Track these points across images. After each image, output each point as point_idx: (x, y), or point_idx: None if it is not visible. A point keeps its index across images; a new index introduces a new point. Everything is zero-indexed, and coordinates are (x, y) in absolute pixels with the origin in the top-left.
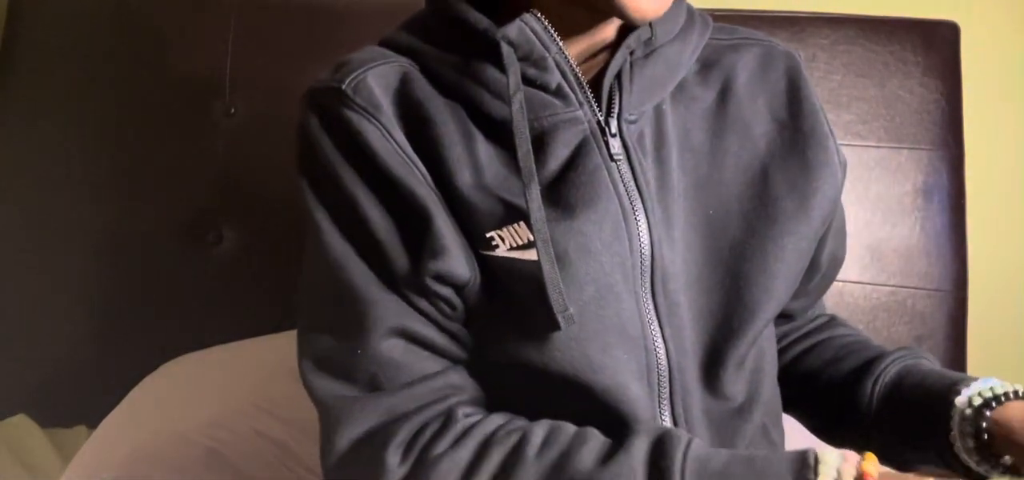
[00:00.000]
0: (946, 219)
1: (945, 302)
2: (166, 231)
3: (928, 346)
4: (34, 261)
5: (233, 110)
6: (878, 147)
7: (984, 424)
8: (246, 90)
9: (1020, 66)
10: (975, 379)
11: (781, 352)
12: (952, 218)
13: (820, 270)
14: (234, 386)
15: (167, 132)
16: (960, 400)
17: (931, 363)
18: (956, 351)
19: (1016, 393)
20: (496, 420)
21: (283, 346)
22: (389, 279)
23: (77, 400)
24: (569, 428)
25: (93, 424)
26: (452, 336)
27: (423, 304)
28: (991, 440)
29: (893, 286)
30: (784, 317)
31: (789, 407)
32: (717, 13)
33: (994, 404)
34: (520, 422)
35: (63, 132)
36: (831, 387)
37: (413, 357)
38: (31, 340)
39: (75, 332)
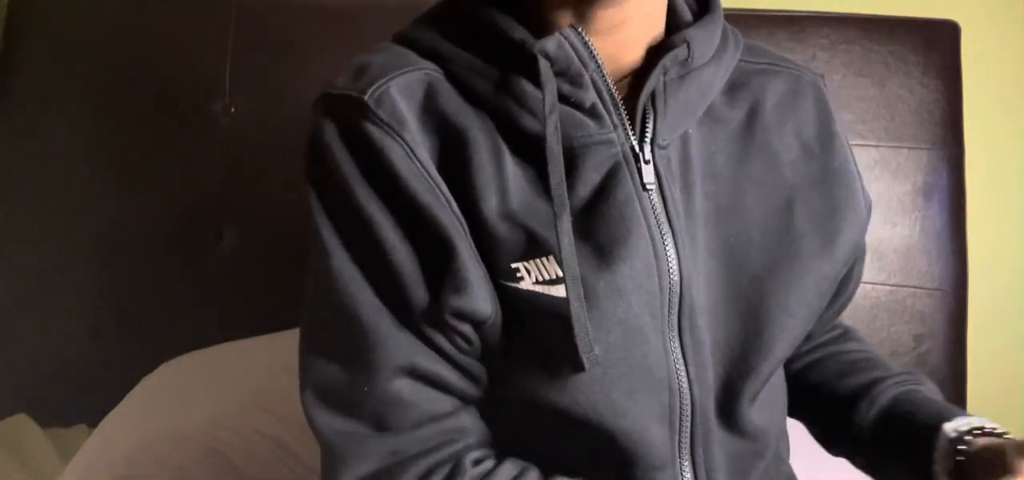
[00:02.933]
0: (946, 219)
1: (945, 302)
2: (166, 231)
3: (928, 346)
4: (34, 261)
5: (233, 110)
6: (878, 147)
7: (961, 447)
8: (246, 90)
9: (1020, 66)
10: (964, 413)
11: (792, 360)
12: (952, 218)
13: (843, 297)
14: (234, 386)
15: (167, 132)
16: (946, 428)
17: (929, 390)
18: (956, 351)
19: (995, 431)
20: (506, 471)
21: (283, 346)
22: (402, 312)
23: (77, 400)
24: None
25: (93, 424)
26: (466, 373)
27: (438, 340)
28: (964, 468)
29: (893, 286)
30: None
31: (795, 412)
32: None
33: (975, 433)
34: (531, 474)
35: (63, 132)
36: (832, 402)
37: (422, 396)
38: (31, 340)
39: (75, 332)
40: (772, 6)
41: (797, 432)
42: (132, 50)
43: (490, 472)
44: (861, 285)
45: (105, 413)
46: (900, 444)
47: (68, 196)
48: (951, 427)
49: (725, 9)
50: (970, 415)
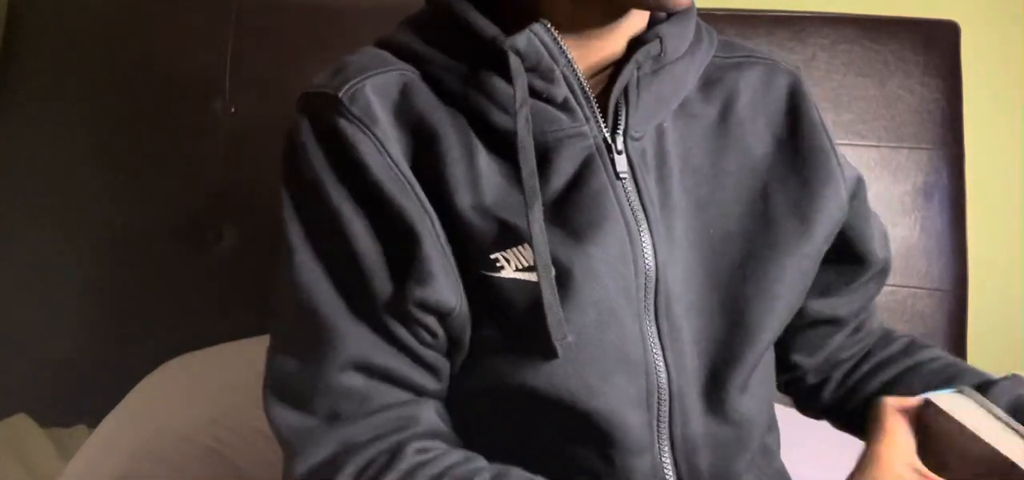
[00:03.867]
0: (946, 219)
1: (945, 302)
2: (166, 231)
3: None
4: (34, 261)
5: (233, 110)
6: (878, 147)
7: None
8: (246, 90)
9: (1020, 66)
10: None
11: (862, 380)
12: (952, 218)
13: (867, 270)
14: (234, 386)
15: (167, 132)
16: None
17: None
18: (956, 351)
19: None
20: (446, 460)
21: None
22: (362, 305)
23: (77, 400)
24: (517, 478)
25: (93, 424)
26: (425, 366)
27: (400, 332)
28: None
29: (893, 286)
30: (832, 323)
31: (854, 429)
32: (718, 13)
33: None
34: (472, 465)
35: (63, 132)
36: None
37: (373, 389)
38: (31, 340)
39: (75, 332)
40: (772, 6)
41: (794, 428)
42: (132, 50)
43: (431, 459)
44: None
45: (105, 413)
46: None
47: (68, 196)
48: None
49: (727, 10)
50: None
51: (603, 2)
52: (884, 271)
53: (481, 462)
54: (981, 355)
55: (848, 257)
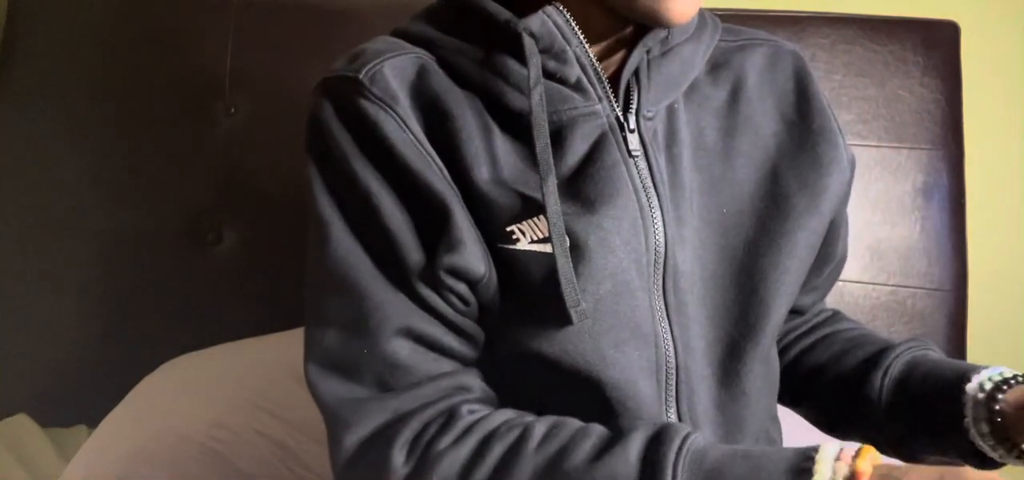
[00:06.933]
0: (946, 219)
1: (945, 302)
2: (166, 231)
3: None
4: (34, 261)
5: (233, 110)
6: (878, 147)
7: (997, 407)
8: (246, 90)
9: (1020, 66)
10: (984, 367)
11: (786, 348)
12: (952, 218)
13: (832, 263)
14: (234, 386)
15: (167, 132)
16: (971, 386)
17: (938, 353)
18: (956, 351)
19: (1018, 378)
20: (500, 416)
21: (283, 346)
22: (398, 275)
23: (77, 400)
24: (572, 423)
25: (93, 424)
26: (462, 334)
27: (434, 300)
28: (1004, 424)
29: (893, 286)
30: (792, 312)
31: (794, 404)
32: (717, 13)
33: (1005, 387)
34: (526, 418)
35: (63, 132)
36: (839, 381)
37: (420, 358)
38: (31, 340)
39: (75, 332)
40: (772, 6)
41: (790, 425)
42: (132, 50)
43: (485, 416)
44: (861, 285)
45: (105, 413)
46: (925, 408)
47: (68, 195)
48: (981, 380)
49: (727, 10)
50: (988, 366)
51: (612, 11)
52: (842, 261)
53: (532, 417)
54: (981, 355)
55: (822, 249)
